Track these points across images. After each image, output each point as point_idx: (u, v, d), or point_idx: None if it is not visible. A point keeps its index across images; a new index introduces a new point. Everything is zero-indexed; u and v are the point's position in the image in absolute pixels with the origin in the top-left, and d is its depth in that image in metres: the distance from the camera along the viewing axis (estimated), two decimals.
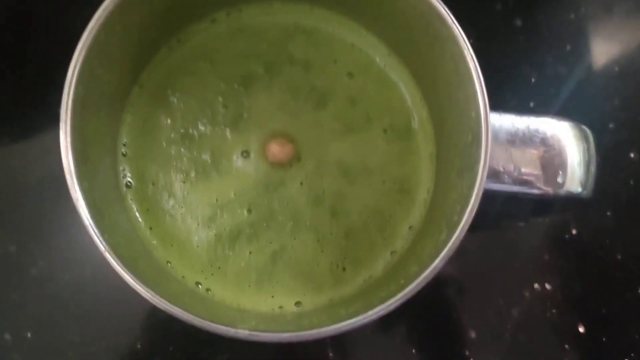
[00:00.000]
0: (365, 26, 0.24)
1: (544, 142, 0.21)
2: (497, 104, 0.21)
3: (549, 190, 0.21)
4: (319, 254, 0.22)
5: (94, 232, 0.17)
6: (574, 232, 0.30)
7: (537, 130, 0.21)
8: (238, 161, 0.23)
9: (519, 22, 0.32)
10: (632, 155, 0.31)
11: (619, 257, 0.29)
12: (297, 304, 0.22)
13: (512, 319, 0.29)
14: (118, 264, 0.17)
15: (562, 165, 0.21)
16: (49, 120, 0.31)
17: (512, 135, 0.21)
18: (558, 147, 0.21)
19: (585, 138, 0.22)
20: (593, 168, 0.22)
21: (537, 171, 0.21)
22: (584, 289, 0.29)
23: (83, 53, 0.18)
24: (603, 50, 0.33)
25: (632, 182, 0.31)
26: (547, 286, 0.29)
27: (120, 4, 0.19)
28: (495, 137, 0.21)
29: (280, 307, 0.21)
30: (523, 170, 0.21)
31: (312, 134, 0.23)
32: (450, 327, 0.29)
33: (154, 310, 0.21)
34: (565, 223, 0.30)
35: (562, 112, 0.31)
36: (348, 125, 0.23)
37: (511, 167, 0.21)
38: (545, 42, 0.32)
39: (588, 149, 0.22)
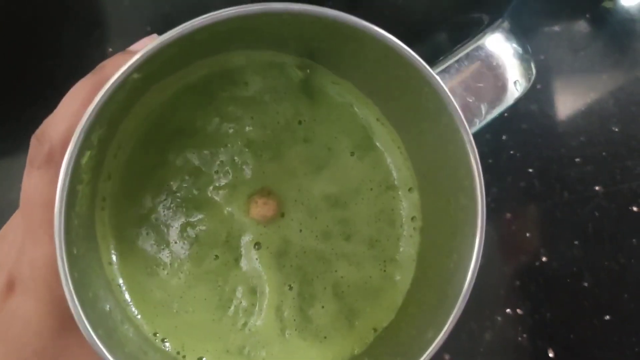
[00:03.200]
0: (417, 173, 0.23)
1: (488, 63, 0.22)
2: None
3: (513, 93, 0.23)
4: None
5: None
6: (544, 259, 0.31)
7: (477, 54, 0.22)
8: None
9: None
10: (597, 188, 0.33)
11: (586, 284, 0.31)
12: None
13: (484, 342, 0.30)
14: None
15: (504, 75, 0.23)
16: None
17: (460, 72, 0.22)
18: (497, 64, 0.22)
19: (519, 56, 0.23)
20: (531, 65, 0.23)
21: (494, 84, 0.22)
22: (553, 314, 0.30)
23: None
24: (570, 89, 0.35)
25: (597, 214, 0.32)
26: (519, 311, 0.30)
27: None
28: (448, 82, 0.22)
29: None
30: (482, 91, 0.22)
31: (314, 254, 0.22)
32: None
33: None
34: (536, 251, 0.31)
35: (532, 148, 0.33)
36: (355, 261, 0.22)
37: (473, 100, 0.22)
38: None
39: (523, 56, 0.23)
